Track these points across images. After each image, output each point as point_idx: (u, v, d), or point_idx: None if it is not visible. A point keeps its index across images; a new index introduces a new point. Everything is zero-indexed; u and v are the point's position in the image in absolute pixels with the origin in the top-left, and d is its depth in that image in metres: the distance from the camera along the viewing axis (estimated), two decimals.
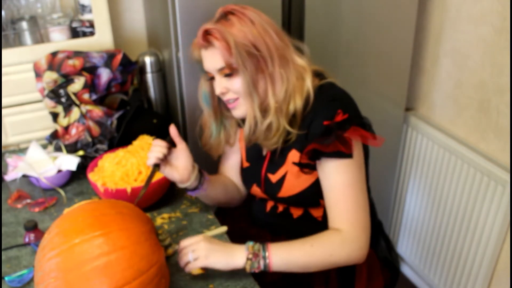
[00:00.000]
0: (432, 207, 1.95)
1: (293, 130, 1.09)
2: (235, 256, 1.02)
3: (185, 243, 1.05)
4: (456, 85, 1.80)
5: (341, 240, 1.05)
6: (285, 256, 1.03)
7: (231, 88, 1.08)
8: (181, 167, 1.14)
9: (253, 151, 1.25)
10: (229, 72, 1.05)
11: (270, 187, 1.20)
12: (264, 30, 1.04)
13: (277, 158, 1.16)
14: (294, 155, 1.13)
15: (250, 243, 1.03)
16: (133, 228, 0.92)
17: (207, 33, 1.04)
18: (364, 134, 1.04)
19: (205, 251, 1.01)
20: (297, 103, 1.08)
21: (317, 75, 1.16)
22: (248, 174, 1.28)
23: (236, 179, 1.34)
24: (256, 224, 1.32)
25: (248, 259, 1.01)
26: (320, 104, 1.08)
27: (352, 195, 1.06)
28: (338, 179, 1.06)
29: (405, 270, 2.21)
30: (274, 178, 1.18)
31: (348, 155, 1.03)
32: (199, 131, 1.28)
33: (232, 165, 1.33)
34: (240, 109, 1.11)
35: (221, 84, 1.08)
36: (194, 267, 1.02)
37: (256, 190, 1.26)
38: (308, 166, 1.11)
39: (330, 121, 1.04)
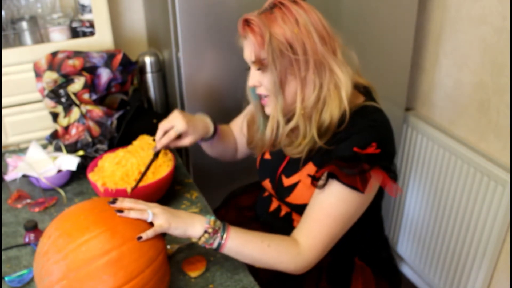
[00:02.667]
0: (432, 207, 1.95)
1: (320, 142, 1.04)
2: (195, 225, 0.98)
3: (140, 202, 0.98)
4: (456, 85, 1.80)
5: (296, 254, 1.03)
6: (240, 244, 1.00)
7: (262, 83, 1.06)
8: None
9: None
10: (260, 66, 1.03)
11: (281, 189, 1.19)
12: (307, 31, 0.99)
13: (294, 164, 1.14)
14: (310, 168, 1.10)
15: (212, 218, 1.00)
16: (135, 219, 0.93)
17: (246, 23, 1.01)
18: (385, 181, 1.01)
19: (165, 215, 0.96)
20: (333, 114, 1.02)
21: (366, 92, 1.10)
22: (266, 167, 1.26)
23: (240, 139, 1.35)
24: (259, 220, 1.32)
25: (206, 232, 0.98)
26: (357, 126, 1.03)
27: (333, 225, 1.03)
28: (334, 203, 1.02)
29: (405, 270, 2.21)
30: (287, 182, 1.17)
31: (360, 190, 0.99)
32: (246, 130, 1.28)
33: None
34: (270, 108, 1.09)
35: (254, 77, 1.06)
36: (152, 234, 0.92)
37: (268, 184, 1.25)
38: (318, 179, 1.07)
39: (361, 150, 0.99)
